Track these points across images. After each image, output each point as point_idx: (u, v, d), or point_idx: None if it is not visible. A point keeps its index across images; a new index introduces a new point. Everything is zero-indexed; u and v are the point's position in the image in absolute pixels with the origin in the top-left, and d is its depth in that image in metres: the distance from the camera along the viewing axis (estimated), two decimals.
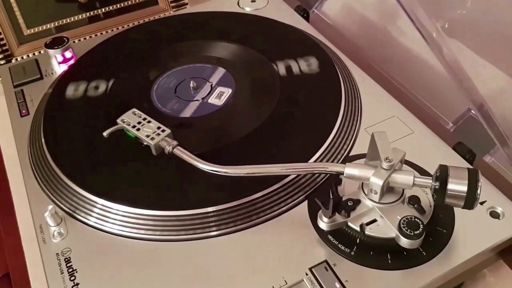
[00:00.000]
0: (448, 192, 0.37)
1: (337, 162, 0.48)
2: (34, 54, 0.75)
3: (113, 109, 0.54)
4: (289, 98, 0.55)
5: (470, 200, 0.36)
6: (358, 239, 0.40)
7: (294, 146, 0.50)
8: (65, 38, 0.66)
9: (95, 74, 0.62)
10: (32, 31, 0.76)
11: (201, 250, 0.42)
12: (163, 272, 0.41)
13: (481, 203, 0.44)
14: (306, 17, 0.73)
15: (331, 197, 0.43)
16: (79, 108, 0.57)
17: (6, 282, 0.50)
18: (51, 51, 0.66)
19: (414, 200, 0.40)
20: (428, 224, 0.40)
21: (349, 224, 0.40)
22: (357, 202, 0.41)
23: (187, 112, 0.55)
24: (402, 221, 0.38)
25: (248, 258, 0.41)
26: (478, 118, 0.55)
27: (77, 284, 0.41)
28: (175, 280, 0.40)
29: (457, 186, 0.36)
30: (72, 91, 0.59)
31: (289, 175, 0.45)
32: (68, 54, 0.66)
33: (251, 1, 0.75)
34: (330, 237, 0.41)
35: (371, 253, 0.40)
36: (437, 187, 0.37)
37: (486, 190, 0.44)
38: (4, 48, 0.73)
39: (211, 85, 0.59)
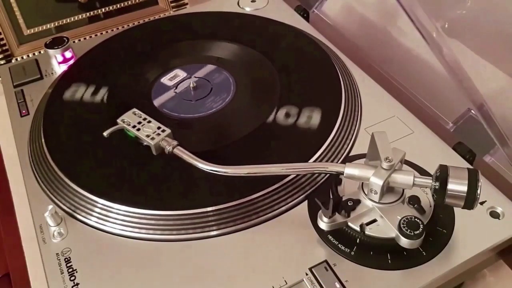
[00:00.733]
0: (448, 192, 0.37)
1: (337, 162, 0.48)
2: (34, 54, 0.75)
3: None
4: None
5: (470, 200, 0.36)
6: (358, 239, 0.40)
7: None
8: (65, 38, 0.66)
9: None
10: (32, 31, 0.76)
11: (201, 250, 0.42)
12: (163, 272, 0.41)
13: (481, 203, 0.44)
14: (306, 17, 0.73)
15: (331, 197, 0.43)
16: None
17: (6, 282, 0.50)
18: (51, 51, 0.65)
19: (414, 200, 0.40)
20: (428, 224, 0.40)
21: (349, 224, 0.40)
22: (357, 202, 0.41)
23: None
24: (402, 221, 0.38)
25: (248, 258, 0.41)
26: (478, 118, 0.55)
27: (77, 284, 0.41)
28: (175, 280, 0.40)
29: (457, 186, 0.36)
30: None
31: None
32: (68, 54, 0.66)
33: (251, 1, 0.75)
34: (330, 237, 0.41)
35: (371, 253, 0.40)
36: (437, 187, 0.37)
37: (486, 190, 0.44)
38: (4, 48, 0.73)
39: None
